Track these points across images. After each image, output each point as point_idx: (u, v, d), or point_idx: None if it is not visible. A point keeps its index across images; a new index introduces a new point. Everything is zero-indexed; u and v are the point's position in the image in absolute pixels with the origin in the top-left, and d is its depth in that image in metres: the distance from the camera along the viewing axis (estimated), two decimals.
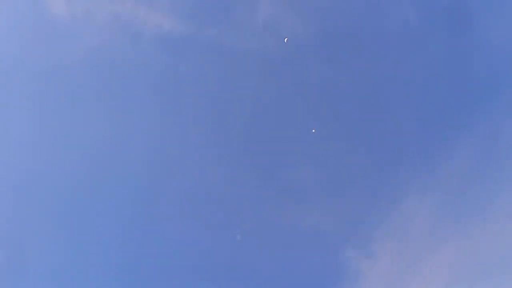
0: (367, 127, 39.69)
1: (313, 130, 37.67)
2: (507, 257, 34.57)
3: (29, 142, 38.76)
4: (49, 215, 38.41)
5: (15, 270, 36.64)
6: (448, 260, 36.19)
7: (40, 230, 37.67)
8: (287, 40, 38.92)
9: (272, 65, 40.51)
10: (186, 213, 38.73)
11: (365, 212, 38.04)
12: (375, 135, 39.60)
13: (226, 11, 40.88)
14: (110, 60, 40.57)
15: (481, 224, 35.96)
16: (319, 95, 40.05)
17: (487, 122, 36.98)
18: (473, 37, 38.10)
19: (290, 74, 40.25)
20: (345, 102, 39.91)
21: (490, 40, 37.76)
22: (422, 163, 38.32)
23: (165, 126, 40.32)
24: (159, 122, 40.09)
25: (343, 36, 40.08)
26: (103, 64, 40.63)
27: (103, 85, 40.59)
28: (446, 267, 36.14)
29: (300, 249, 37.68)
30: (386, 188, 38.30)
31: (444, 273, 35.99)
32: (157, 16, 40.09)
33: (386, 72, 38.96)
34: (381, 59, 39.26)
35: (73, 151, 39.06)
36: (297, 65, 40.14)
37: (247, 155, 40.07)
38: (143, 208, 38.77)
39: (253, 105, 40.07)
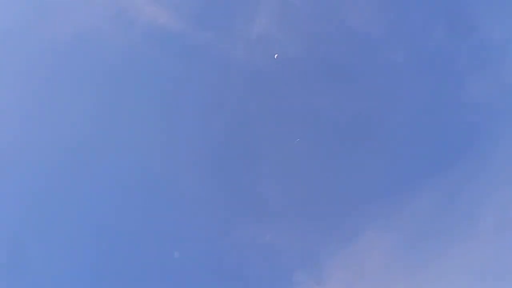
0: (340, 156, 40.07)
1: (297, 140, 38.41)
2: None
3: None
4: None
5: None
6: None
7: None
8: (277, 57, 39.61)
9: (257, 77, 40.81)
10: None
11: (322, 239, 37.78)
12: (347, 165, 39.91)
13: (224, 18, 41.61)
14: (100, 45, 40.63)
15: (432, 273, 36.01)
16: (296, 116, 40.35)
17: (455, 171, 37.62)
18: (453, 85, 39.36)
19: (273, 90, 40.76)
20: (318, 129, 40.33)
21: (469, 90, 39.06)
22: (388, 202, 38.33)
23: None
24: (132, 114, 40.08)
25: (331, 65, 41.04)
26: (92, 48, 40.76)
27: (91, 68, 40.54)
28: None
29: (250, 265, 37.18)
30: (347, 220, 38.26)
31: None
32: (154, 7, 40.43)
33: (363, 106, 39.85)
34: (361, 94, 40.21)
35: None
36: (281, 83, 40.76)
37: (212, 160, 39.80)
38: None
39: (229, 113, 40.25)
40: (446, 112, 39.12)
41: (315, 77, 40.77)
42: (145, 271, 36.56)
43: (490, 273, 35.24)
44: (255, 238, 37.59)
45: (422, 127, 39.36)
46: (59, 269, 36.27)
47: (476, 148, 38.05)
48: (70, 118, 39.16)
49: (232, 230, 37.85)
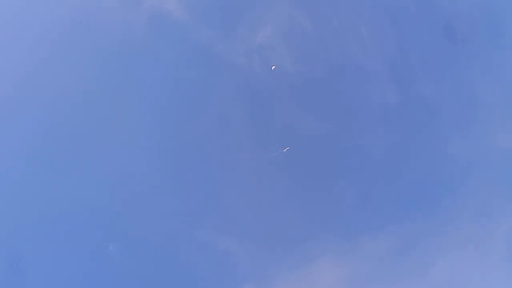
0: (311, 182, 40.39)
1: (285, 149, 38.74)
2: None
3: None
4: None
5: None
6: None
7: None
8: (273, 68, 39.97)
9: (250, 84, 41.20)
10: None
11: (276, 255, 38.04)
12: (316, 193, 40.18)
13: (230, 20, 41.82)
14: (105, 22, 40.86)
15: None
16: (276, 130, 40.81)
17: (416, 223, 38.62)
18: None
19: (260, 99, 41.12)
20: (296, 149, 40.18)
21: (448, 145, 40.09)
22: (347, 237, 38.98)
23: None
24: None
25: (322, 89, 41.63)
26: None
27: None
28: None
29: (205, 271, 37.43)
30: (305, 243, 38.47)
31: None
32: None
33: (343, 137, 40.73)
34: (344, 124, 40.91)
35: None
36: (271, 94, 41.17)
37: (184, 159, 39.75)
38: None
39: (209, 115, 40.43)
40: (423, 163, 39.89)
41: (305, 97, 41.29)
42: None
43: None
44: (214, 244, 37.76)
45: (397, 172, 40.01)
46: None
47: (439, 206, 38.95)
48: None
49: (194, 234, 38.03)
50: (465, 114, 40.18)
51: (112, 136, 38.51)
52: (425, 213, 38.44)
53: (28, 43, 39.12)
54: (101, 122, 38.81)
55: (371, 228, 38.27)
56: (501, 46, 40.68)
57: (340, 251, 37.75)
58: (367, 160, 39.87)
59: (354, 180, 39.91)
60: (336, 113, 40.91)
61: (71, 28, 39.72)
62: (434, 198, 38.88)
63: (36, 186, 36.94)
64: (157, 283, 36.15)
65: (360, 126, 40.65)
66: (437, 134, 39.89)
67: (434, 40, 41.00)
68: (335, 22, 41.42)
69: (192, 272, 36.82)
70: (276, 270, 37.38)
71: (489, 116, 39.94)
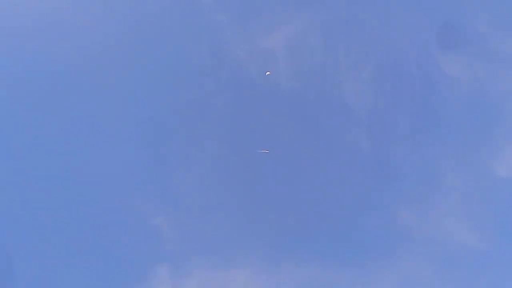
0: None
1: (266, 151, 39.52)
2: None
3: None
4: None
5: None
6: None
7: None
8: (268, 74, 40.82)
9: (242, 83, 42.17)
10: None
11: (203, 247, 39.34)
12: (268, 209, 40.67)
13: (242, 19, 43.09)
14: None
15: None
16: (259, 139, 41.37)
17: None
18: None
19: (247, 100, 41.98)
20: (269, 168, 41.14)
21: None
22: None
23: None
24: None
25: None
26: None
27: None
28: None
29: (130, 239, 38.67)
30: (233, 248, 39.40)
31: None
32: None
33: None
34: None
35: None
36: (258, 99, 41.97)
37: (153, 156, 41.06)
38: None
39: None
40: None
41: (284, 113, 42.13)
42: None
43: None
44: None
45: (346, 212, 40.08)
46: None
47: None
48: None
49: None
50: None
51: None
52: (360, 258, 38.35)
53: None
54: None
55: (299, 258, 38.42)
56: None
57: (261, 270, 38.26)
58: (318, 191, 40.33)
59: (299, 209, 40.12)
60: (308, 143, 41.32)
61: None
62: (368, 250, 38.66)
63: None
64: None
65: (322, 159, 41.00)
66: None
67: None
68: (340, 52, 41.97)
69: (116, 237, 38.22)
70: (198, 261, 38.38)
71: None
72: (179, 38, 42.43)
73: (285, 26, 42.54)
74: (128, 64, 41.61)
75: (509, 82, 39.56)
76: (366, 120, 41.00)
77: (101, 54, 41.36)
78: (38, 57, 40.62)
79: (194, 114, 41.40)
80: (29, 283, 36.71)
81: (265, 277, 37.97)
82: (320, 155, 40.47)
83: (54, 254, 37.49)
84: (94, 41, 41.49)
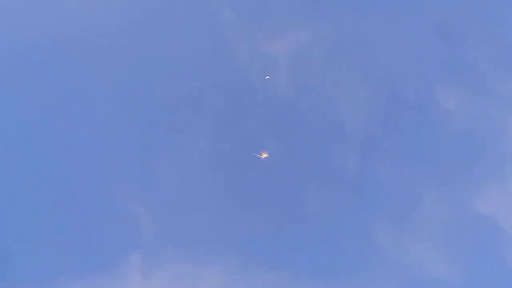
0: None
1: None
2: None
3: None
4: None
5: None
6: None
7: None
8: (267, 78, 41.09)
9: (241, 85, 42.45)
10: None
11: (177, 239, 39.62)
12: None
13: (248, 24, 43.50)
14: None
15: None
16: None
17: None
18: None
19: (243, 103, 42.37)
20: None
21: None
22: None
23: None
24: None
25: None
26: None
27: None
28: None
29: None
30: (207, 245, 39.65)
31: None
32: None
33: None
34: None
35: None
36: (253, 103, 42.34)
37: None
38: None
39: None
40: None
41: (279, 120, 42.48)
42: None
43: None
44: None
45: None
46: None
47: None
48: None
49: None
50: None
51: None
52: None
53: None
54: None
55: (270, 264, 38.62)
56: None
57: (231, 270, 38.48)
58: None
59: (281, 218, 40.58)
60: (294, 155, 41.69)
61: None
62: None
63: None
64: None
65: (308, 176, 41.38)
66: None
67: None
68: (340, 68, 42.40)
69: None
70: (170, 253, 38.79)
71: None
72: (182, 31, 42.84)
73: (290, 35, 43.08)
74: (127, 55, 42.21)
75: (500, 122, 40.10)
76: (355, 139, 41.50)
77: (103, 45, 41.91)
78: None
79: (186, 108, 41.76)
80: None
81: (234, 278, 38.28)
82: (305, 166, 40.95)
83: (28, 232, 37.85)
84: (95, 32, 42.01)
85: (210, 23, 42.86)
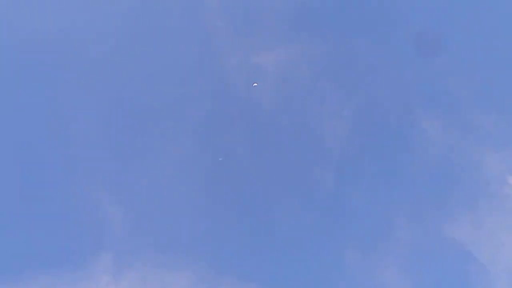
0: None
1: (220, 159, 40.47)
2: None
3: None
4: None
5: None
6: None
7: None
8: (255, 85, 41.41)
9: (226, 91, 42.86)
10: None
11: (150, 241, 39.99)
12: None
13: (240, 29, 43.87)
14: None
15: None
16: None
17: None
18: None
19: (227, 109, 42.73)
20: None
21: None
22: None
23: None
24: None
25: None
26: None
27: None
28: None
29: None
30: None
31: None
32: None
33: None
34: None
35: None
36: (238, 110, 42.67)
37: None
38: None
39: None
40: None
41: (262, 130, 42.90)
42: None
43: None
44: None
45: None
46: None
47: None
48: None
49: None
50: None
51: None
52: None
53: None
54: None
55: (241, 276, 38.87)
56: None
57: (202, 278, 38.64)
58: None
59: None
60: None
61: None
62: None
63: None
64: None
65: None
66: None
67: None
68: (326, 86, 42.79)
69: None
70: (142, 255, 38.96)
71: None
72: (171, 34, 43.24)
73: (280, 48, 43.58)
74: (114, 58, 42.53)
75: (477, 153, 40.61)
76: (334, 157, 41.85)
77: (88, 49, 42.36)
78: None
79: (167, 112, 41.99)
80: None
81: (203, 286, 38.55)
82: (282, 179, 41.32)
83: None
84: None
85: (200, 30, 43.22)
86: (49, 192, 39.37)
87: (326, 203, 40.89)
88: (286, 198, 40.95)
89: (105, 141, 40.93)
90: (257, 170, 41.28)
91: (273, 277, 39.11)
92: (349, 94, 42.81)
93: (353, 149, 41.98)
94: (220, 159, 40.61)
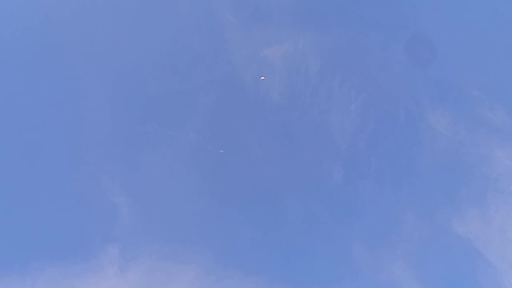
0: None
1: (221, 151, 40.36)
2: None
3: None
4: None
5: None
6: None
7: None
8: (262, 79, 41.29)
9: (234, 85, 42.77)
10: None
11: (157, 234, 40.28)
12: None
13: (249, 23, 43.69)
14: None
15: None
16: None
17: None
18: None
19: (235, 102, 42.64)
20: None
21: None
22: None
23: None
24: None
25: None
26: None
27: None
28: None
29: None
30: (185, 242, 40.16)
31: None
32: None
33: None
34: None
35: None
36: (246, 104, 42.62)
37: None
38: None
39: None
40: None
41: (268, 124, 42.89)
42: None
43: None
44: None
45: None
46: None
47: None
48: None
49: None
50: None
51: None
52: None
53: None
54: None
55: (247, 269, 38.96)
56: None
57: (208, 271, 38.72)
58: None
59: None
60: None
61: None
62: None
63: None
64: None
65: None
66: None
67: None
68: (335, 80, 42.44)
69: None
70: (148, 248, 39.08)
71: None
72: (181, 28, 43.12)
73: (289, 42, 43.19)
74: (122, 49, 42.39)
75: (485, 148, 40.41)
76: (342, 151, 41.77)
77: (97, 38, 42.15)
78: None
79: (177, 105, 42.05)
80: None
81: (210, 279, 38.55)
82: (290, 172, 41.32)
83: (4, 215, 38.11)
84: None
85: (209, 22, 43.06)
86: (57, 184, 39.57)
87: (334, 197, 40.99)
88: (294, 192, 41.08)
89: (113, 133, 41.04)
90: (265, 163, 41.33)
91: (281, 270, 39.22)
92: (358, 89, 42.57)
93: (362, 143, 41.91)
94: (221, 151, 40.48)
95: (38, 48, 41.31)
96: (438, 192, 40.58)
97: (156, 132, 40.90)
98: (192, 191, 40.72)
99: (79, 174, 39.71)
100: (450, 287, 39.09)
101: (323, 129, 42.05)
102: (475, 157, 40.52)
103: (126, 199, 39.57)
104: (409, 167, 41.27)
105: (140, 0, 42.99)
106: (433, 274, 39.35)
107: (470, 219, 39.63)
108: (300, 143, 42.05)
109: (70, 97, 40.87)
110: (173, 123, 41.42)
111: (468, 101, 41.69)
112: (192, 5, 43.32)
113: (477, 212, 39.61)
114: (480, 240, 39.11)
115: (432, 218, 40.15)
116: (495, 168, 40.17)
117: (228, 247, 39.74)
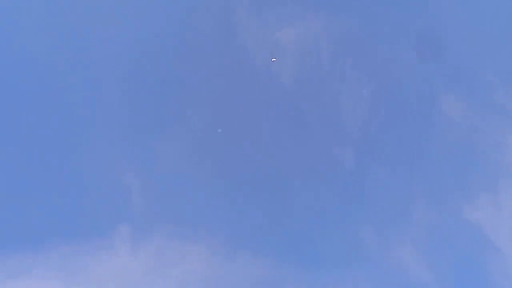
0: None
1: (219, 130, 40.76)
2: None
3: None
4: None
5: None
6: None
7: None
8: (273, 60, 41.25)
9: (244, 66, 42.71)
10: None
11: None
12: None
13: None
14: None
15: None
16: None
17: None
18: None
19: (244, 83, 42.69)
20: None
21: None
22: None
23: None
24: None
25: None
26: None
27: None
28: None
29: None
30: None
31: None
32: None
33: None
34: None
35: None
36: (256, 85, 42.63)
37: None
38: None
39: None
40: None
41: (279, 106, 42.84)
42: None
43: None
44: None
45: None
46: None
47: None
48: None
49: None
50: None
51: None
52: None
53: None
54: None
55: (257, 252, 38.97)
56: None
57: (218, 252, 38.91)
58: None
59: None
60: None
61: None
62: None
63: None
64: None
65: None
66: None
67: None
68: (347, 63, 42.31)
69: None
70: (160, 228, 39.37)
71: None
72: (191, 11, 43.04)
73: (301, 24, 43.04)
74: (134, 28, 42.43)
75: (500, 134, 40.07)
76: (354, 136, 41.66)
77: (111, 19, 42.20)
78: None
79: (188, 84, 42.20)
80: None
81: (219, 259, 38.93)
82: (300, 157, 41.25)
83: (18, 192, 38.77)
84: None
85: (220, 5, 43.07)
86: (70, 164, 40.02)
87: (344, 181, 40.98)
88: (304, 175, 41.04)
89: (125, 114, 41.38)
90: (276, 146, 41.32)
91: (290, 253, 39.43)
92: (370, 73, 42.32)
93: (373, 128, 41.78)
94: (219, 130, 40.74)
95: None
96: (449, 177, 40.44)
97: (168, 114, 41.24)
98: (203, 173, 40.95)
99: (94, 156, 40.18)
100: (459, 273, 38.93)
101: (334, 113, 42.00)
102: (488, 143, 40.31)
103: (138, 180, 40.00)
104: (421, 152, 41.10)
105: None
106: (442, 259, 39.24)
107: (481, 205, 39.42)
108: (311, 126, 42.05)
109: (85, 82, 41.35)
110: (185, 106, 41.65)
111: (482, 86, 41.36)
112: None
113: (488, 199, 39.39)
114: (490, 227, 38.93)
115: (442, 203, 40.04)
116: (508, 155, 39.93)
117: (238, 229, 40.04)
